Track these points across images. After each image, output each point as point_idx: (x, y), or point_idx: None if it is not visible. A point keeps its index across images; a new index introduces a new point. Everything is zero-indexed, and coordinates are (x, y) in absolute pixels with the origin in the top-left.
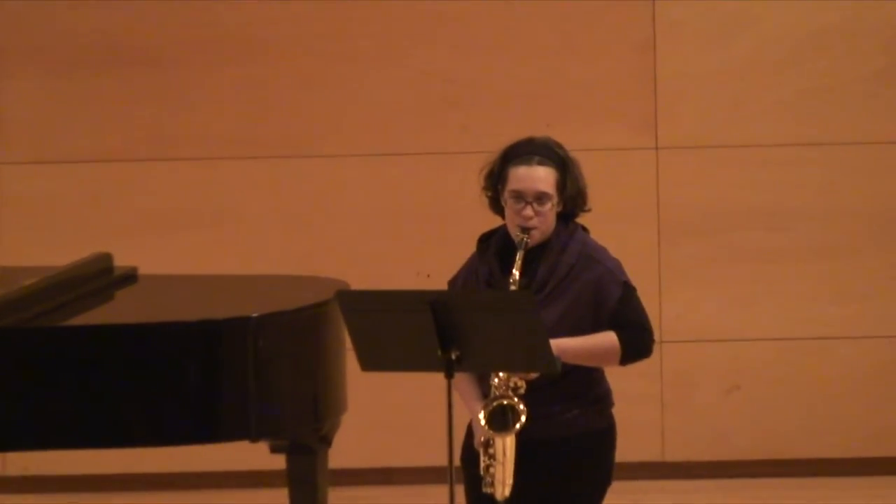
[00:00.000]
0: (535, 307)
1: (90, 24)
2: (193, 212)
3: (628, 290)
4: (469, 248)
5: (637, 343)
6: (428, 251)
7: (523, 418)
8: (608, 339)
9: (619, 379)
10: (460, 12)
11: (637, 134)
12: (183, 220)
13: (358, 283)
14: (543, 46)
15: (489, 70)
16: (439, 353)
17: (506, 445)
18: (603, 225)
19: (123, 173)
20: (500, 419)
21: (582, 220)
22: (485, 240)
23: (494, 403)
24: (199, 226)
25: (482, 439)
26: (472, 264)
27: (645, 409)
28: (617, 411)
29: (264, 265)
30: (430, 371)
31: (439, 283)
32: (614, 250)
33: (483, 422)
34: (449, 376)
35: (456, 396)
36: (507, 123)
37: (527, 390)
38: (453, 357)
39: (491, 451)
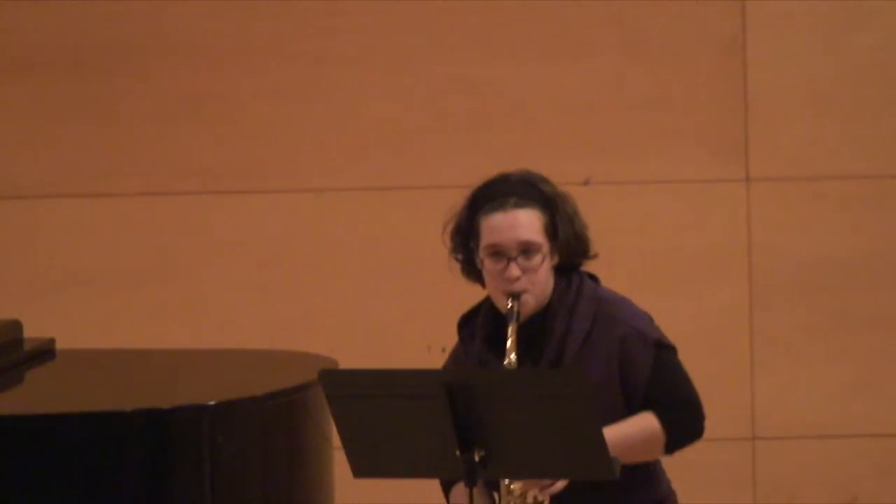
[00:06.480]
0: (589, 391)
1: None
2: (130, 264)
3: (663, 354)
4: None
5: (684, 425)
6: (444, 317)
7: None
8: (646, 423)
9: (699, 486)
10: (485, 6)
11: (721, 162)
12: (116, 274)
13: (350, 360)
14: (597, 48)
15: (524, 79)
16: (458, 453)
17: None
18: (675, 281)
19: (36, 213)
20: None
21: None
22: (466, 323)
23: None
24: (138, 283)
25: None
26: (458, 356)
27: None
28: None
29: (225, 335)
30: (444, 477)
31: None
32: (690, 314)
33: None
34: (471, 484)
35: None
36: (548, 148)
37: (565, 493)
38: (477, 459)
39: None
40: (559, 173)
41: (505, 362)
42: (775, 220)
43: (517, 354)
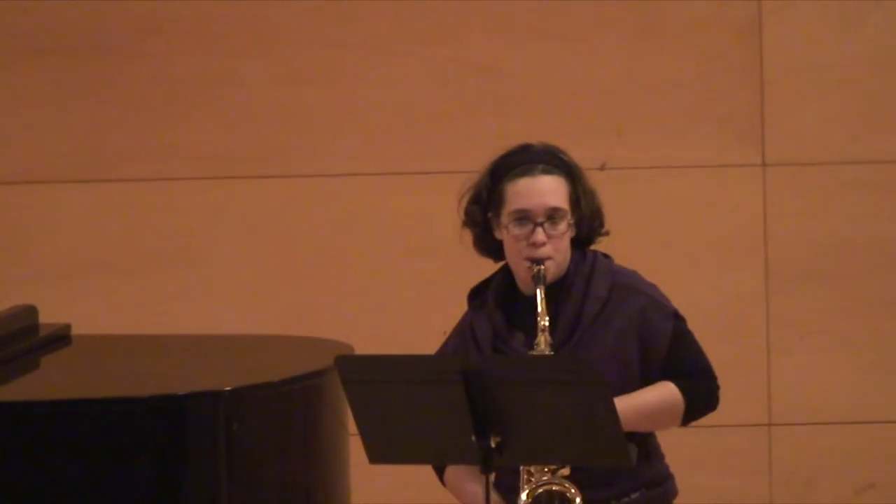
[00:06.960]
0: (604, 380)
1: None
2: (145, 249)
3: (680, 325)
4: None
5: (703, 395)
6: (460, 302)
7: None
8: (667, 392)
9: (714, 472)
10: None
11: (737, 146)
12: (131, 260)
13: (366, 345)
14: (612, 31)
15: (540, 63)
16: (474, 439)
17: None
18: (691, 266)
19: (47, 198)
20: None
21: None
22: (477, 295)
23: (540, 490)
24: (153, 268)
25: None
26: (465, 327)
27: None
28: None
29: (240, 321)
30: (460, 464)
31: None
32: (706, 300)
33: None
34: (486, 470)
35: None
36: (563, 131)
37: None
38: (492, 445)
39: None
40: (575, 158)
41: (540, 329)
42: (791, 205)
43: (533, 323)
